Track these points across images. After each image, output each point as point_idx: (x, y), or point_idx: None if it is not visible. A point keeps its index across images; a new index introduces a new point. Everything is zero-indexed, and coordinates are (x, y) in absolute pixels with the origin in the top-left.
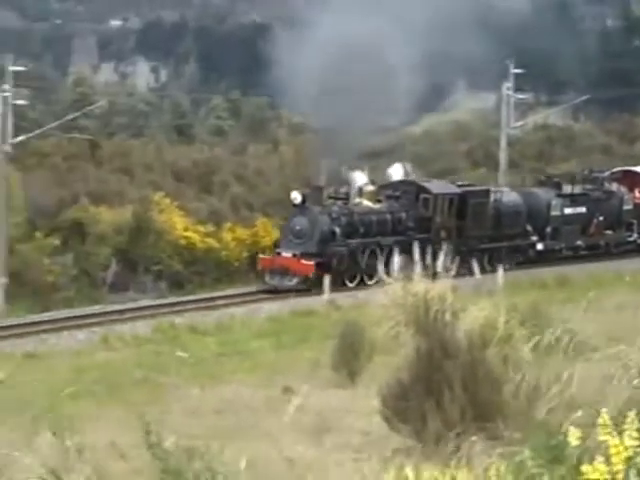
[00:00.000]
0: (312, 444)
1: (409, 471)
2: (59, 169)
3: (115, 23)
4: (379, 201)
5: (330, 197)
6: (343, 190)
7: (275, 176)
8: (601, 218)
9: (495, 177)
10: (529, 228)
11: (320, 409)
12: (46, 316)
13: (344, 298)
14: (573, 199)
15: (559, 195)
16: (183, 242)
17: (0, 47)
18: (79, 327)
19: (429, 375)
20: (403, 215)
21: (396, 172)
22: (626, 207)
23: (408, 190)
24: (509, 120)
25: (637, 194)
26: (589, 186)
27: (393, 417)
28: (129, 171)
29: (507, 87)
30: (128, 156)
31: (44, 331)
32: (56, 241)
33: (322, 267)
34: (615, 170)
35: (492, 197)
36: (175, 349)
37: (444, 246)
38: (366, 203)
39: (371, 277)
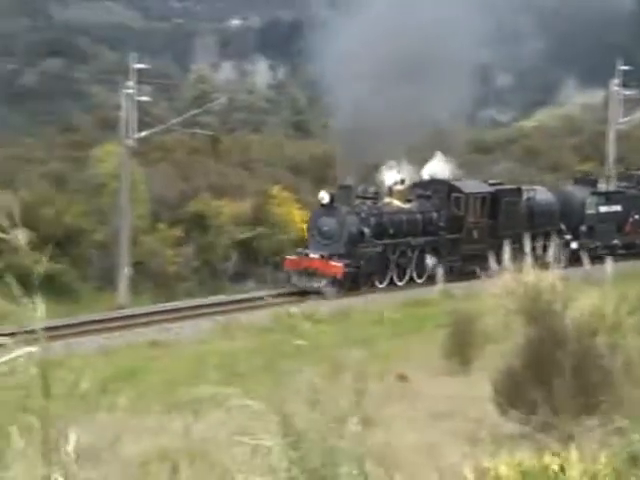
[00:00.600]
0: (427, 430)
1: (521, 456)
2: (181, 163)
3: (235, 22)
4: (409, 201)
5: (359, 197)
6: (372, 189)
7: None
8: (637, 216)
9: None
10: (563, 227)
11: (434, 396)
12: (169, 305)
13: (457, 288)
14: (608, 197)
15: (594, 193)
16: (301, 234)
17: (125, 46)
18: (201, 316)
19: (540, 363)
20: (434, 215)
21: (428, 170)
22: None
23: (439, 189)
24: (617, 115)
25: None
26: (624, 184)
27: (505, 404)
28: (248, 165)
29: (615, 83)
30: (248, 151)
31: (168, 320)
32: (179, 233)
33: (351, 268)
34: None
35: (525, 196)
36: (293, 337)
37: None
38: (396, 203)
39: (401, 278)
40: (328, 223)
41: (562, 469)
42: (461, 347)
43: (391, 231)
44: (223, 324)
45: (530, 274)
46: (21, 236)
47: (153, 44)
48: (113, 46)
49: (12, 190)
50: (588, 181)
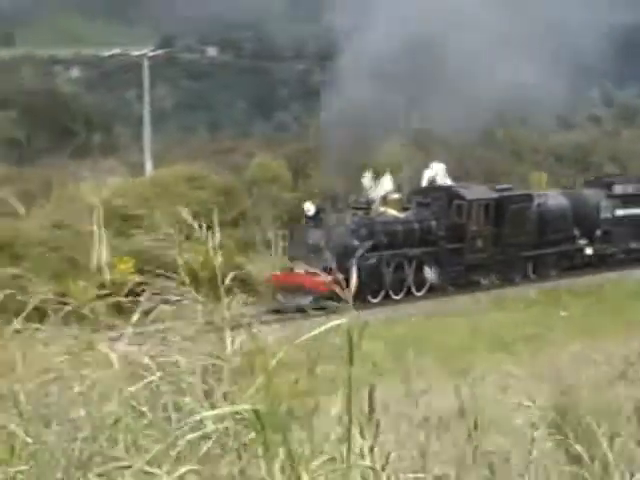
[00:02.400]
0: None
1: None
2: (456, 152)
3: None
4: (406, 209)
5: (350, 207)
6: (364, 199)
7: None
8: None
9: None
10: (576, 232)
11: None
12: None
13: None
14: (625, 200)
15: (610, 196)
16: None
17: None
18: (474, 291)
19: None
20: (433, 223)
21: (427, 177)
22: None
23: (439, 196)
24: None
25: None
26: None
27: None
28: (518, 153)
29: None
30: (517, 141)
31: (444, 295)
32: None
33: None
34: None
35: (536, 201)
36: (557, 309)
37: None
38: (391, 212)
39: (397, 292)
40: (314, 236)
41: None
42: None
43: (385, 242)
44: (496, 297)
45: None
46: None
47: None
48: None
49: None
50: (603, 183)
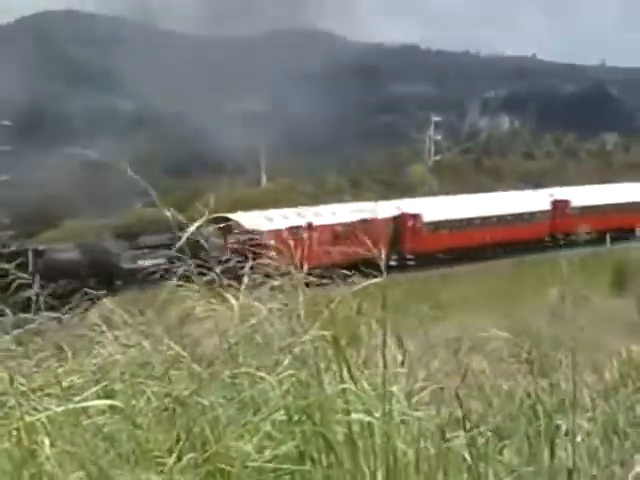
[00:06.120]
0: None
1: None
2: (458, 174)
3: (490, 94)
4: None
5: None
6: None
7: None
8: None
9: None
10: (93, 283)
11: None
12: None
13: None
14: (151, 250)
15: (134, 247)
16: None
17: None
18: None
19: None
20: None
21: None
22: (214, 254)
23: None
24: None
25: (230, 240)
26: (172, 235)
27: None
28: (499, 175)
29: None
30: (499, 166)
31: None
32: None
33: None
34: (213, 216)
35: (45, 256)
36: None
37: None
38: None
39: None
40: None
41: None
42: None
43: None
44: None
45: None
46: None
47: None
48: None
49: None
50: (129, 235)
